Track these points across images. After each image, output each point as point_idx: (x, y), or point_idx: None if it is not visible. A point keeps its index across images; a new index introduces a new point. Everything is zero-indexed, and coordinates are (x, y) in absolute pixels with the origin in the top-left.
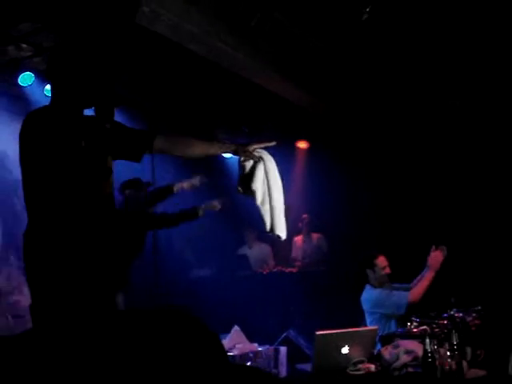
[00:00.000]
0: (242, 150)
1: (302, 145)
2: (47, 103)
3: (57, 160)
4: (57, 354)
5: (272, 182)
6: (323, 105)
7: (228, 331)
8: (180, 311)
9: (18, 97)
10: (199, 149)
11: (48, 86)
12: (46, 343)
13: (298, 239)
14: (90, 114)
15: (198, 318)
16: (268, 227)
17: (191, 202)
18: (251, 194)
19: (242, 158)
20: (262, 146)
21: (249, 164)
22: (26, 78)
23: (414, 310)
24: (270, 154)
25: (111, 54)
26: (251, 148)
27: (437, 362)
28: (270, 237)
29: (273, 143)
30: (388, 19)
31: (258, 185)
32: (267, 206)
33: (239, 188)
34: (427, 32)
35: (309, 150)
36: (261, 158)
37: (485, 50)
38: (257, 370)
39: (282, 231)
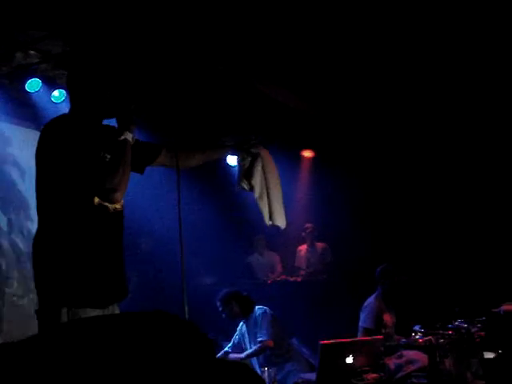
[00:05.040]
0: (239, 146)
1: (308, 154)
2: (54, 109)
3: (77, 169)
4: (59, 359)
5: (269, 176)
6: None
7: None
8: (170, 315)
9: (25, 103)
10: (200, 158)
11: (55, 93)
12: (50, 349)
13: (302, 248)
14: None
15: (190, 322)
16: (267, 219)
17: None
18: (250, 188)
19: (240, 157)
20: (257, 141)
21: (247, 161)
22: (33, 85)
23: (418, 320)
24: (269, 150)
25: (125, 62)
26: (249, 143)
27: (441, 373)
28: (278, 245)
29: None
30: (389, 27)
31: (256, 179)
32: (265, 199)
33: (239, 185)
34: (428, 38)
35: (314, 159)
36: (258, 154)
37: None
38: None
39: (280, 221)
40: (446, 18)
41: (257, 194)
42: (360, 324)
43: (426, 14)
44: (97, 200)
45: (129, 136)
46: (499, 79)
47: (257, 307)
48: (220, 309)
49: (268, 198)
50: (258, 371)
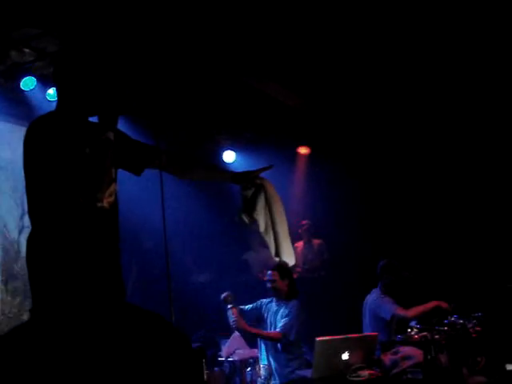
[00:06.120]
0: (241, 179)
1: (304, 150)
2: (49, 108)
3: (59, 166)
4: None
5: (274, 209)
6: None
7: (228, 337)
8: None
9: (20, 101)
10: (199, 175)
11: (50, 91)
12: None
13: (299, 245)
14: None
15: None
16: (274, 253)
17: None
18: (251, 222)
19: (243, 187)
20: (261, 172)
21: (249, 192)
22: (28, 83)
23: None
24: (271, 162)
25: (117, 59)
26: (250, 175)
27: (437, 369)
28: None
29: (271, 167)
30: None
31: (260, 212)
32: (271, 233)
33: (242, 217)
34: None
35: (310, 156)
36: (261, 185)
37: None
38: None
39: (289, 257)
40: (443, 16)
41: (262, 228)
42: (393, 312)
43: (420, 10)
44: (81, 199)
45: (111, 135)
46: (499, 79)
47: (295, 300)
48: (271, 278)
49: (274, 231)
50: (263, 360)
